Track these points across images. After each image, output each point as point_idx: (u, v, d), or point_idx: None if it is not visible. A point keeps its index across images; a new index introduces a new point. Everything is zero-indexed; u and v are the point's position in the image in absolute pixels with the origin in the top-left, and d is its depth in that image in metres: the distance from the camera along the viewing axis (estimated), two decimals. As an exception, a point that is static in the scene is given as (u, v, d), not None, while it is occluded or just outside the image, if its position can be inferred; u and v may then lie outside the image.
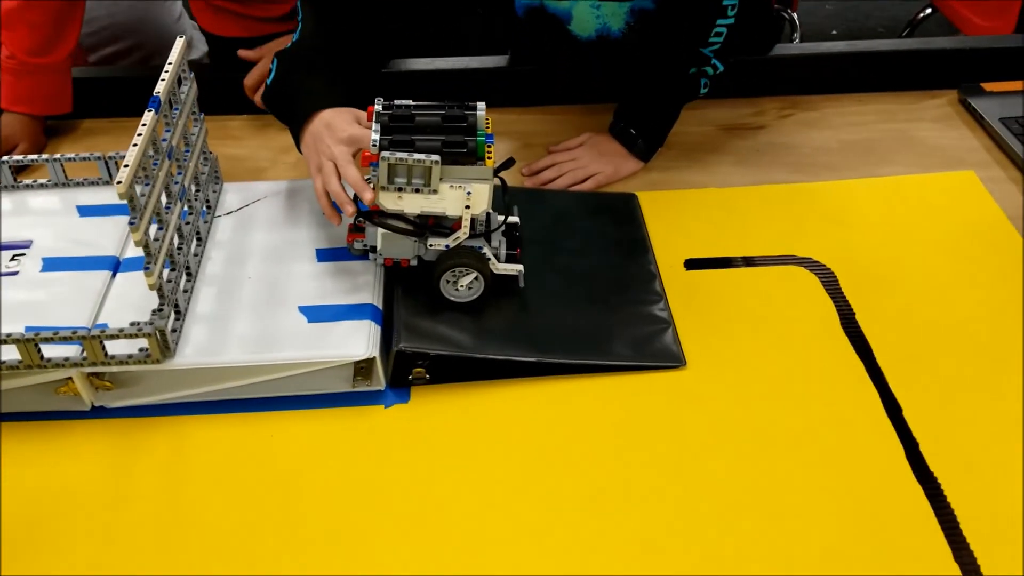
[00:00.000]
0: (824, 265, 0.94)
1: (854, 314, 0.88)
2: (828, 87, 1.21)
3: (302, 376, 0.81)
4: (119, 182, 0.71)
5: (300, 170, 1.09)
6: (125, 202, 0.72)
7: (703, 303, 0.90)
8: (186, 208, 0.89)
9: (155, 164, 0.79)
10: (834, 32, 2.97)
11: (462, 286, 0.85)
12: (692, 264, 0.95)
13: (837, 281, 0.92)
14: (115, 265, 0.90)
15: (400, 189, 0.81)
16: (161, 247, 0.79)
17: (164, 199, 0.81)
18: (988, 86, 1.19)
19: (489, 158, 0.81)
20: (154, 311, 0.79)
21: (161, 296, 0.79)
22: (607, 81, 1.15)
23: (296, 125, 0.91)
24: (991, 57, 1.23)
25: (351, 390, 0.82)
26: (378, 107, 0.83)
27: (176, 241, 0.84)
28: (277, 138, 1.14)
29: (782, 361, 0.84)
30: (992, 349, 0.84)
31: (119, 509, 0.73)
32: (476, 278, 0.85)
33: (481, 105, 0.84)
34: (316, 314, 0.84)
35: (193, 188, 0.92)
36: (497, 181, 0.86)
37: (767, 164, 1.09)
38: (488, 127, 0.83)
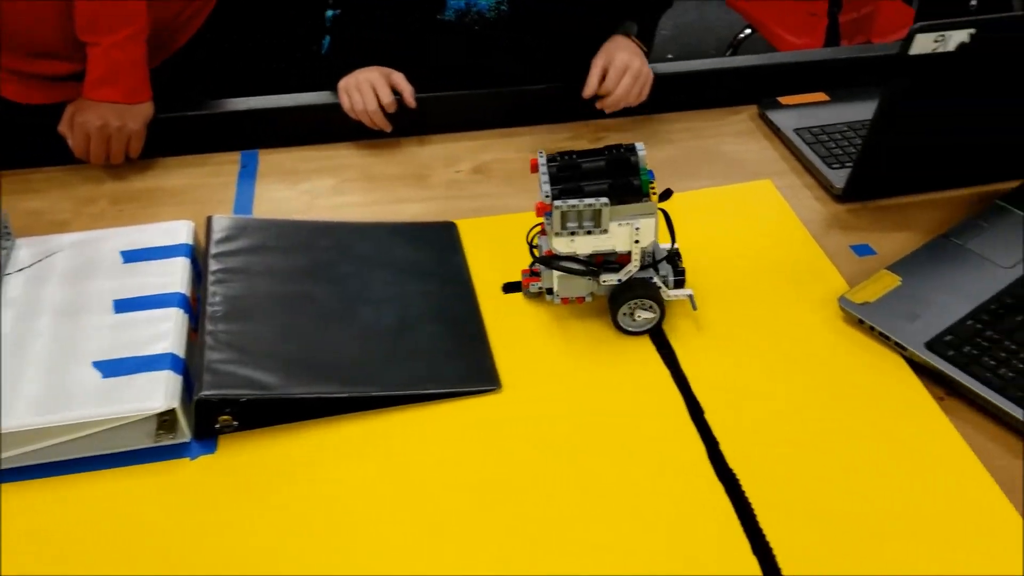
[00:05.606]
0: (634, 279, 0.96)
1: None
2: (638, 109, 1.25)
3: (100, 435, 0.77)
4: None
5: (104, 220, 1.05)
6: None
7: (519, 326, 0.91)
8: (-32, 268, 0.84)
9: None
10: (670, 56, 3.08)
11: (640, 318, 0.88)
12: (510, 288, 0.96)
13: (646, 294, 0.94)
14: None
15: (572, 233, 0.85)
16: (-68, 311, 0.74)
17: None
18: (785, 99, 1.25)
19: (653, 193, 0.85)
20: (-72, 379, 0.74)
21: (-64, 363, 0.75)
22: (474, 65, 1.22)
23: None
24: (789, 72, 1.30)
25: (154, 444, 0.79)
26: (542, 159, 0.88)
27: (-45, 303, 0.80)
28: (80, 188, 1.10)
29: (594, 379, 0.86)
30: (796, 347, 0.88)
31: None
32: (650, 308, 0.88)
33: (640, 145, 0.87)
34: (111, 368, 0.80)
35: (-23, 246, 0.87)
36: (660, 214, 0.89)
37: (581, 185, 1.12)
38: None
